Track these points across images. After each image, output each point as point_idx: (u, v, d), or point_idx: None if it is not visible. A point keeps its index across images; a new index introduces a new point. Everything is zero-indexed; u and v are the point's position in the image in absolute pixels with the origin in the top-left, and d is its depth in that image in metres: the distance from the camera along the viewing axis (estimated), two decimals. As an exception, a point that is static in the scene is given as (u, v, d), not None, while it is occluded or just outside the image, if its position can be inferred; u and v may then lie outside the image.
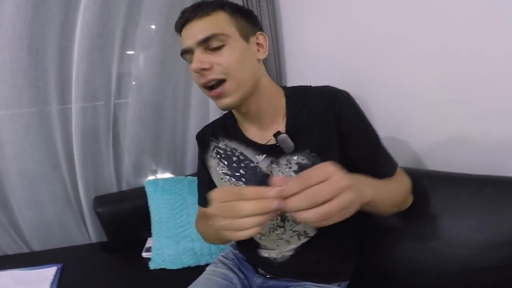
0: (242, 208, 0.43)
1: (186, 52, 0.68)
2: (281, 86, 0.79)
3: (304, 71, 1.42)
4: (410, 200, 0.76)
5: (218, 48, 0.65)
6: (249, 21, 0.71)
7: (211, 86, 0.67)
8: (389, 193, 0.66)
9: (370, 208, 0.59)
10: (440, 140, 0.97)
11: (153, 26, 1.38)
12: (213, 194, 0.46)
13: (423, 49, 0.95)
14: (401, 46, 1.01)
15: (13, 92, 1.18)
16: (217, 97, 0.68)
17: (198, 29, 0.65)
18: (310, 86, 0.77)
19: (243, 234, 0.44)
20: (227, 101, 0.68)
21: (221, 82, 0.66)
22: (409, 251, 0.80)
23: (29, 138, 1.24)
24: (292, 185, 0.42)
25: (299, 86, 0.79)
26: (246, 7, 1.35)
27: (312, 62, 1.35)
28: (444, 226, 0.76)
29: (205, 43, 0.65)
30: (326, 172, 0.42)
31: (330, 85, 0.75)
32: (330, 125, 0.70)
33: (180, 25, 0.69)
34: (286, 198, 0.42)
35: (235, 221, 0.44)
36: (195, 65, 0.65)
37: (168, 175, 1.52)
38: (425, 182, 0.83)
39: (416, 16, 0.95)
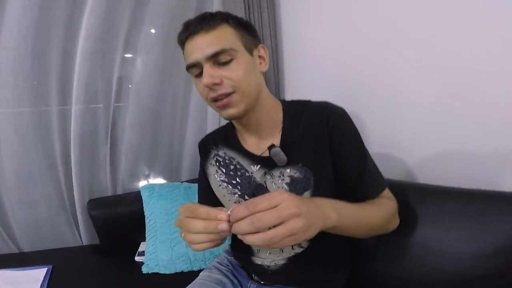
0: (193, 226, 0.50)
1: (193, 66, 0.68)
2: (279, 99, 0.80)
3: (304, 83, 1.44)
4: (394, 224, 0.74)
5: (227, 63, 0.66)
6: (251, 34, 0.72)
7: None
8: (364, 217, 0.65)
9: (340, 232, 0.60)
10: (430, 154, 0.99)
11: (155, 32, 1.39)
12: (179, 209, 0.53)
13: (418, 63, 0.98)
14: (398, 59, 1.04)
15: (15, 92, 1.19)
16: (222, 108, 0.69)
17: (205, 43, 0.66)
18: (310, 100, 0.78)
19: (196, 248, 0.51)
20: (232, 111, 0.69)
21: (228, 94, 0.67)
22: (400, 261, 0.82)
23: (27, 137, 1.24)
24: (240, 210, 0.46)
25: (298, 100, 0.80)
26: (248, 17, 1.39)
27: (312, 74, 1.37)
28: (435, 237, 0.78)
29: (214, 57, 0.65)
30: (275, 199, 0.46)
31: (329, 96, 0.77)
32: (324, 140, 0.71)
33: (184, 38, 0.69)
34: (235, 221, 0.46)
35: (188, 235, 0.51)
36: (206, 80, 0.65)
37: (164, 180, 1.52)
38: (416, 195, 0.85)
39: (414, 30, 0.98)
